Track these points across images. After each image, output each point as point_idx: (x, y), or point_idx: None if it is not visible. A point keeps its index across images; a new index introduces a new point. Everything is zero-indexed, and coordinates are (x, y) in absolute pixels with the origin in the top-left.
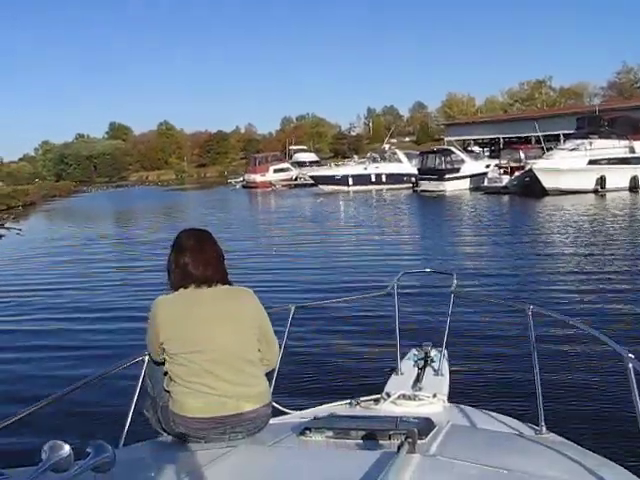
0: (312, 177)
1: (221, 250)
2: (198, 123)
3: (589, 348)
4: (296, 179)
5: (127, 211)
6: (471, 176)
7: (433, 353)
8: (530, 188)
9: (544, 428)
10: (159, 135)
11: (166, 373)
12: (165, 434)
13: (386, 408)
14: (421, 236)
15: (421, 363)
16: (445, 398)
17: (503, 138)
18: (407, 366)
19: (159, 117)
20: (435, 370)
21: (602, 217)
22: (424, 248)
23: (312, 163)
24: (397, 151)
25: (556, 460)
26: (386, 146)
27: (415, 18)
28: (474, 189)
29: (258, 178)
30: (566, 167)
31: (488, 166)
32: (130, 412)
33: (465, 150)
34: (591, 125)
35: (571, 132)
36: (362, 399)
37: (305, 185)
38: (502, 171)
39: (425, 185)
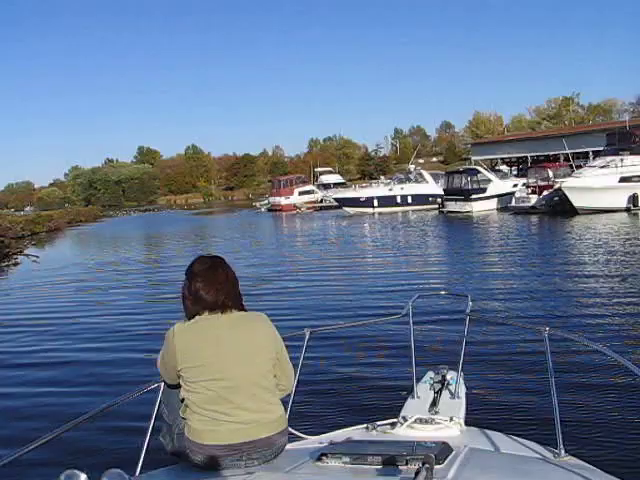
0: (336, 199)
1: (235, 276)
2: (226, 146)
3: (608, 371)
4: (321, 201)
5: (148, 237)
6: (498, 196)
7: (449, 376)
8: (559, 207)
9: (563, 451)
10: (187, 159)
11: (182, 400)
12: (181, 461)
13: (403, 432)
14: (445, 259)
15: (437, 386)
16: (462, 422)
17: (531, 156)
18: (423, 389)
19: (187, 141)
20: (451, 393)
21: (635, 237)
22: (448, 271)
23: (337, 185)
24: (423, 171)
25: None
26: (411, 166)
27: (442, 37)
28: (501, 209)
29: (283, 201)
30: (597, 185)
31: (516, 185)
32: (146, 439)
33: (492, 169)
34: (622, 141)
35: (601, 149)
36: (378, 423)
37: (330, 207)
38: (530, 190)
39: (451, 206)
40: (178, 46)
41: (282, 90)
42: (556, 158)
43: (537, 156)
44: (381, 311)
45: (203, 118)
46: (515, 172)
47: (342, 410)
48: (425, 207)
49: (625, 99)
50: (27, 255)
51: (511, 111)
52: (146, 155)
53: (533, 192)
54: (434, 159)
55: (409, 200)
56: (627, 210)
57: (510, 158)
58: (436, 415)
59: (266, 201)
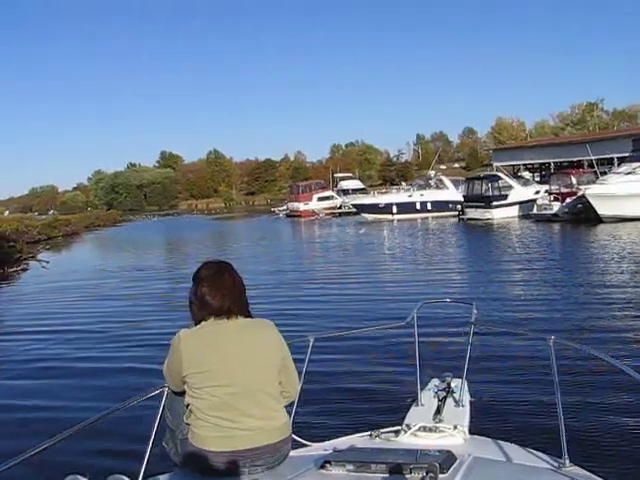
0: (355, 205)
1: (241, 282)
2: (248, 151)
3: (613, 380)
4: (340, 207)
5: (163, 242)
6: (520, 203)
7: (453, 384)
8: (583, 215)
9: (567, 461)
10: (208, 164)
11: (187, 405)
12: (184, 467)
13: (406, 440)
14: (462, 267)
15: (441, 394)
16: (466, 430)
17: (554, 163)
18: (427, 397)
19: (209, 145)
20: (456, 401)
21: None
22: (463, 280)
23: (356, 191)
24: (443, 177)
25: None
26: (432, 172)
27: (465, 43)
28: (523, 217)
29: (301, 207)
30: (622, 192)
31: (538, 192)
32: (149, 445)
33: (515, 176)
34: None
35: (626, 155)
36: (382, 431)
37: (349, 213)
38: (552, 197)
39: (471, 213)
40: (202, 50)
41: (305, 95)
42: (580, 164)
43: (560, 162)
44: (390, 319)
45: (225, 123)
46: (537, 178)
47: (346, 417)
48: (445, 214)
49: None
50: (39, 260)
51: (534, 117)
52: (168, 159)
53: (556, 199)
54: (456, 165)
55: (429, 207)
56: None
57: (532, 164)
58: (440, 423)
59: (284, 207)
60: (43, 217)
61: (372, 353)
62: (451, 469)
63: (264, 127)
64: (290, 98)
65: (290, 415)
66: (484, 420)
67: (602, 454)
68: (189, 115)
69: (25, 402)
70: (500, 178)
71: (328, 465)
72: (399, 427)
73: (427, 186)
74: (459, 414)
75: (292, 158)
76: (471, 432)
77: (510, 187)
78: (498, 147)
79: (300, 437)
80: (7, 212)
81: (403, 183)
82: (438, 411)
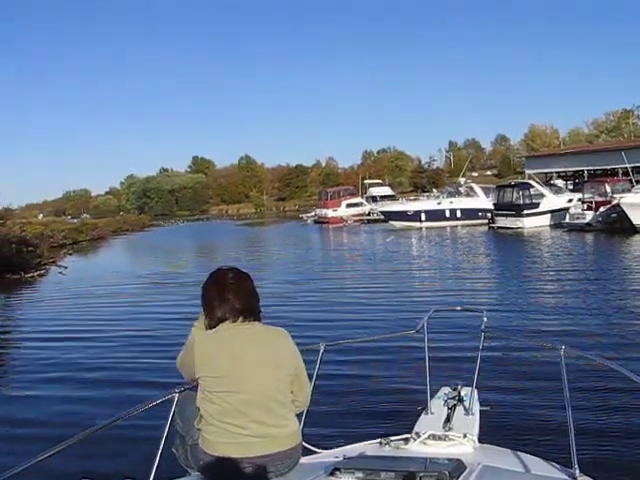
0: (383, 213)
1: (254, 287)
2: (279, 157)
3: (625, 391)
4: (369, 214)
5: (187, 247)
6: (551, 212)
7: (463, 392)
8: (617, 225)
9: (577, 471)
10: (240, 169)
11: (198, 410)
12: (194, 473)
13: (416, 448)
14: (488, 279)
15: (451, 402)
16: (475, 438)
17: (588, 170)
18: (437, 405)
19: (241, 151)
20: (466, 410)
21: None
22: (488, 291)
23: (385, 197)
24: (473, 185)
25: None
26: (462, 180)
27: (499, 49)
28: (555, 226)
29: (330, 213)
30: None
31: (570, 200)
32: (159, 450)
33: (547, 183)
34: None
35: None
36: (392, 439)
37: (377, 221)
38: (586, 206)
39: (502, 221)
40: (234, 55)
41: (337, 101)
42: (614, 172)
43: (594, 170)
44: (406, 327)
45: (257, 128)
46: (570, 187)
47: (355, 424)
48: (475, 222)
49: None
50: (60, 266)
51: (568, 124)
52: (200, 165)
53: (589, 208)
54: (488, 172)
55: (458, 214)
56: None
57: (566, 172)
58: (450, 432)
59: (313, 213)
60: (74, 221)
61: (382, 361)
62: (460, 478)
63: (296, 133)
64: (322, 104)
65: (300, 422)
66: (494, 429)
67: (613, 465)
68: (221, 120)
69: (33, 410)
70: (531, 186)
71: (338, 472)
72: (409, 435)
73: (457, 193)
74: (469, 423)
75: (324, 164)
76: (481, 441)
77: (542, 195)
78: (531, 154)
79: (310, 444)
80: (41, 215)
81: (434, 190)
82: (448, 419)
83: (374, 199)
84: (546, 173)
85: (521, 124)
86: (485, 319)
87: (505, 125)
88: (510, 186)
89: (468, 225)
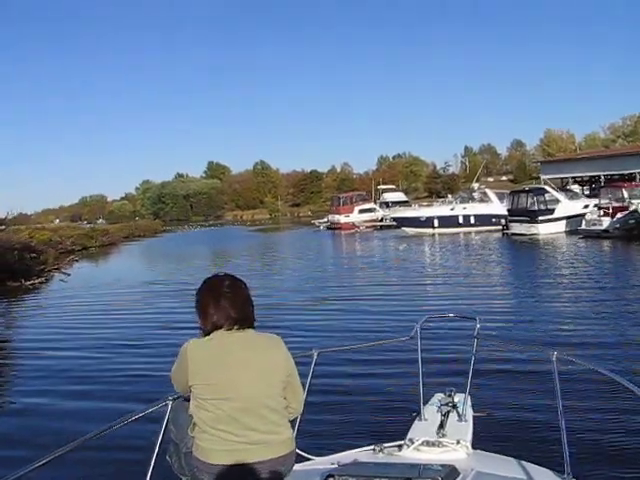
0: (395, 219)
1: (249, 294)
2: (295, 162)
3: (616, 397)
4: (382, 220)
5: (195, 254)
6: (567, 218)
7: (456, 398)
8: (635, 232)
9: (570, 476)
10: (255, 174)
11: (191, 417)
12: None
13: (409, 454)
14: (498, 288)
15: (444, 409)
16: (469, 444)
17: (604, 175)
18: (430, 411)
19: (256, 156)
20: (459, 416)
21: None
22: (498, 302)
23: (397, 203)
24: (487, 190)
25: None
26: (475, 185)
27: (514, 53)
28: (570, 232)
29: (342, 219)
30: None
31: (587, 206)
32: (153, 458)
33: (563, 189)
34: None
35: None
36: (385, 445)
37: (390, 227)
38: (602, 212)
39: (516, 227)
40: (250, 63)
41: (352, 107)
42: (632, 177)
43: (611, 175)
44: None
45: (273, 133)
46: (587, 192)
47: (349, 431)
48: (489, 228)
49: None
50: (62, 272)
51: (584, 129)
52: (215, 170)
53: (605, 214)
54: (503, 178)
55: (472, 220)
56: None
57: (582, 177)
58: (443, 438)
59: (325, 219)
60: (89, 226)
61: (376, 367)
62: None
63: (311, 138)
64: (338, 110)
65: (294, 429)
66: (487, 435)
67: (604, 469)
68: (237, 126)
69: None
70: (546, 191)
71: (332, 479)
72: (402, 441)
73: (470, 199)
74: (462, 429)
75: (339, 169)
76: (474, 447)
77: (557, 201)
78: (546, 159)
79: (304, 451)
80: (57, 220)
81: (449, 196)
82: (441, 426)
83: (387, 205)
84: (562, 178)
85: (537, 129)
86: (478, 325)
87: (521, 130)
88: (524, 191)
89: (482, 231)
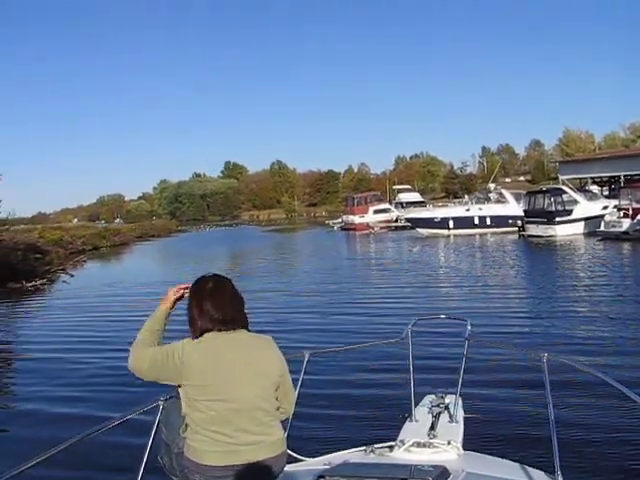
0: (409, 220)
1: (240, 295)
2: (311, 162)
3: (607, 397)
4: (396, 221)
5: (206, 254)
6: (585, 219)
7: (447, 400)
8: None
9: (560, 477)
10: (272, 174)
11: (183, 418)
12: None
13: (400, 456)
14: (510, 294)
15: (435, 410)
16: (460, 446)
17: (624, 176)
18: (421, 413)
19: (273, 156)
20: (450, 417)
21: None
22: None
23: (412, 204)
24: (503, 191)
25: None
26: (491, 185)
27: (532, 53)
28: (589, 234)
29: (356, 219)
30: None
31: (606, 207)
32: (144, 459)
33: (581, 189)
34: None
35: None
36: (376, 446)
37: (405, 227)
38: (622, 213)
39: (532, 229)
40: (267, 63)
41: (370, 107)
42: None
43: (631, 175)
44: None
45: (290, 133)
46: (606, 193)
47: (340, 432)
48: (505, 229)
49: None
50: (67, 273)
51: (603, 129)
52: (232, 170)
53: (625, 215)
54: (521, 178)
55: (487, 222)
56: None
57: (601, 177)
58: (434, 439)
59: (339, 220)
60: (105, 225)
61: (367, 369)
62: None
63: (329, 138)
64: (355, 109)
65: (285, 430)
66: (478, 436)
67: (594, 470)
68: (254, 125)
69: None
70: (564, 192)
71: None
72: (393, 442)
73: (486, 200)
74: (453, 430)
75: (355, 169)
76: (465, 448)
77: (575, 202)
78: (564, 159)
79: (295, 452)
80: (75, 220)
81: (466, 196)
82: (432, 427)
83: (402, 205)
84: (580, 179)
85: (555, 129)
86: (469, 327)
87: (539, 130)
88: (541, 192)
89: (497, 233)
